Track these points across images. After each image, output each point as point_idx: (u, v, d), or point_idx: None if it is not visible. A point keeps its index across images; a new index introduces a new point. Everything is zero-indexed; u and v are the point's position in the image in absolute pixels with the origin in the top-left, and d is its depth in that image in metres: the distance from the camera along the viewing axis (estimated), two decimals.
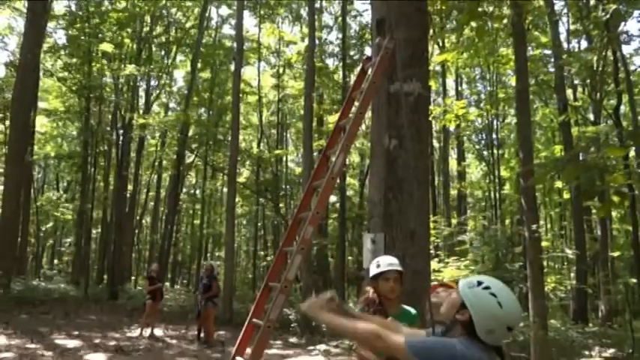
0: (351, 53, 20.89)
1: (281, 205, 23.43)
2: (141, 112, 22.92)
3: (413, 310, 3.51)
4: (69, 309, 15.14)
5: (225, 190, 26.75)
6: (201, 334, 11.52)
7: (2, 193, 18.15)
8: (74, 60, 21.48)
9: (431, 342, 2.06)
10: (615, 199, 3.58)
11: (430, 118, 7.52)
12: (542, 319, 6.43)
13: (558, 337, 10.17)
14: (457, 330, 2.13)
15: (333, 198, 20.19)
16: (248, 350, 4.47)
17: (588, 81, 16.89)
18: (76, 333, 11.32)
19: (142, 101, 24.96)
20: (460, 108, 9.54)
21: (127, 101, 22.20)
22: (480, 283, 2.11)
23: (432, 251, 6.06)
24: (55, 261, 33.67)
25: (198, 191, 30.51)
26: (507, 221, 23.45)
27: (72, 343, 10.05)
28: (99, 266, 25.32)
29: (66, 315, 14.06)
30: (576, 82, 18.26)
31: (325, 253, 22.96)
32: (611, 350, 8.49)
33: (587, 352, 8.38)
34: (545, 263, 10.65)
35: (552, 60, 16.22)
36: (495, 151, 22.93)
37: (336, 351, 6.22)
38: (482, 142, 25.31)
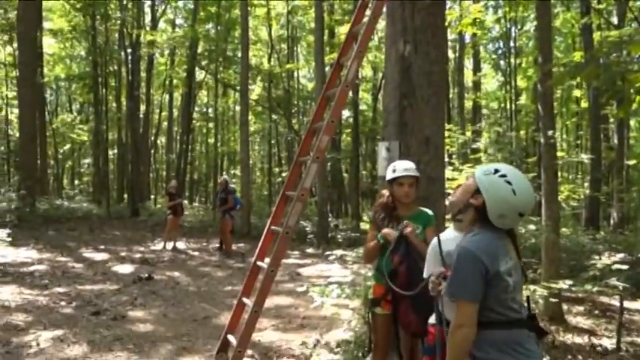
0: None
1: (294, 121, 23.34)
2: (148, 29, 22.37)
3: (429, 211, 3.58)
4: (93, 226, 15.75)
5: (237, 108, 26.59)
6: (223, 246, 11.98)
7: (18, 116, 18.30)
8: None
9: (452, 275, 2.12)
10: (636, 98, 3.50)
11: (445, 24, 7.24)
12: (555, 224, 6.53)
13: (569, 244, 10.40)
14: (469, 213, 2.21)
15: (346, 112, 20.01)
16: (267, 260, 4.66)
17: None
18: (103, 247, 11.85)
19: (148, 18, 24.28)
20: (477, 11, 9.12)
21: (133, 18, 21.61)
22: (496, 171, 2.16)
23: (446, 159, 6.07)
24: (76, 181, 34.44)
25: (210, 110, 30.38)
26: (522, 132, 23.21)
27: (99, 256, 10.56)
28: (118, 186, 25.92)
29: (91, 231, 14.64)
30: None
31: (339, 168, 23.17)
32: (621, 255, 8.67)
33: (596, 257, 8.57)
34: (559, 174, 10.67)
35: None
36: (512, 61, 22.22)
37: (350, 259, 6.44)
38: (500, 51, 24.49)
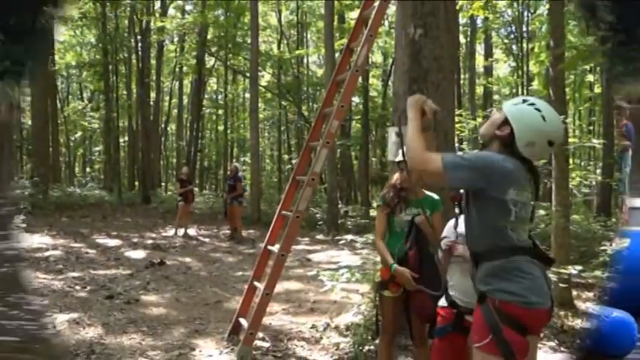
0: None
1: (303, 108, 23.31)
2: (157, 15, 22.37)
3: (436, 196, 3.60)
4: (105, 213, 15.91)
5: (247, 95, 26.57)
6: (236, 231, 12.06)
7: (30, 104, 18.44)
8: None
9: (469, 155, 2.10)
10: None
11: (456, 8, 7.17)
12: (565, 209, 6.50)
13: (580, 231, 10.33)
14: (494, 146, 2.18)
15: (356, 99, 19.94)
16: (277, 245, 4.70)
17: None
18: (115, 233, 11.99)
19: (158, 5, 24.27)
20: None
21: (143, 4, 21.61)
22: (524, 101, 2.16)
23: (456, 145, 6.06)
24: (87, 169, 34.72)
25: (220, 96, 30.43)
26: None
27: (112, 242, 10.70)
28: (129, 173, 26.09)
29: (103, 218, 14.81)
30: None
31: (349, 155, 23.16)
32: None
33: (607, 243, 8.51)
34: (570, 160, 10.56)
35: None
36: (525, 45, 21.93)
37: (360, 244, 6.48)
38: (512, 35, 24.18)
